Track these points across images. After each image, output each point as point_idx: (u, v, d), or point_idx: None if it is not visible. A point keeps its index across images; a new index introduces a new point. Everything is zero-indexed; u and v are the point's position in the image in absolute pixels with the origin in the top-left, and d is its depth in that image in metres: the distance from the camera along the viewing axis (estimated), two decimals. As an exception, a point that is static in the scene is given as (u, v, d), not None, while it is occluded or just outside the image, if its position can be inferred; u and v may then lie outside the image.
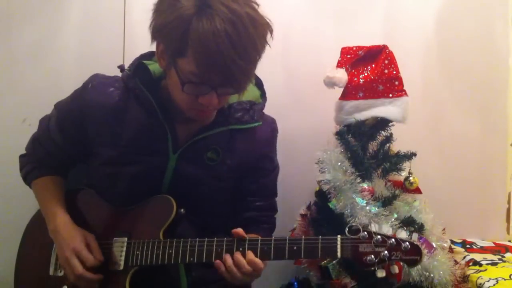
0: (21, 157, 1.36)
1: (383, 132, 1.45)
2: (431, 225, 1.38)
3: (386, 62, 1.42)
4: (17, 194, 1.45)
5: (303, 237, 1.09)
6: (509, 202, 1.76)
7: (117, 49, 1.59)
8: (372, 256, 1.02)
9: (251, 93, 1.28)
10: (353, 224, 1.06)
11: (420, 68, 1.72)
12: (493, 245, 1.65)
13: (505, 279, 1.31)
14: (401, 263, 1.10)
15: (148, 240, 1.17)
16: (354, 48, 1.46)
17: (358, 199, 1.31)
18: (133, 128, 1.20)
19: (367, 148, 1.44)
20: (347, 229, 1.05)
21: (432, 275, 1.24)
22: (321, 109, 1.58)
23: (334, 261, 1.32)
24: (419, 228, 1.35)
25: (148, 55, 1.27)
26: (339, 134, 1.42)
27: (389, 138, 1.44)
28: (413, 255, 1.02)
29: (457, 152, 1.74)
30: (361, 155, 1.38)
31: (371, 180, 1.38)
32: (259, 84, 1.33)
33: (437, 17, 1.72)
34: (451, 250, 1.46)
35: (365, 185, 1.34)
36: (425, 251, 1.06)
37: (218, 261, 1.11)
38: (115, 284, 1.17)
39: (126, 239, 1.19)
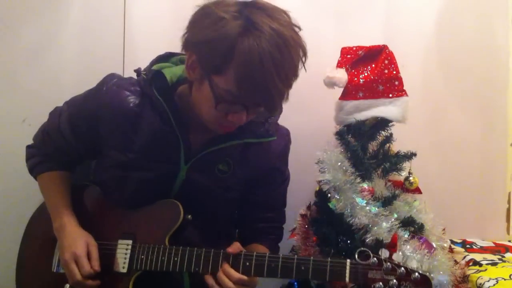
0: (29, 147, 1.35)
1: (383, 132, 1.45)
2: (431, 225, 1.38)
3: (386, 62, 1.42)
4: (17, 194, 1.45)
5: (311, 258, 1.08)
6: (509, 202, 1.76)
7: (117, 49, 1.59)
8: (381, 283, 1.01)
9: None
10: (364, 249, 1.05)
11: (420, 68, 1.72)
12: (493, 245, 1.65)
13: (505, 279, 1.31)
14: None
15: (154, 245, 1.16)
16: (354, 48, 1.46)
17: (358, 199, 1.31)
18: (146, 135, 1.19)
19: (367, 148, 1.43)
20: (357, 254, 1.04)
21: (432, 275, 1.24)
22: (321, 109, 1.58)
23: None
24: (419, 228, 1.35)
25: (166, 57, 1.26)
26: (339, 134, 1.42)
27: (389, 138, 1.44)
28: (423, 285, 1.01)
29: (457, 152, 1.74)
30: (361, 155, 1.38)
31: (371, 180, 1.38)
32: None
33: (437, 17, 1.72)
34: (451, 250, 1.46)
35: (365, 185, 1.34)
36: (433, 280, 1.04)
37: (206, 276, 1.11)
38: (118, 286, 1.17)
39: (131, 241, 1.19)
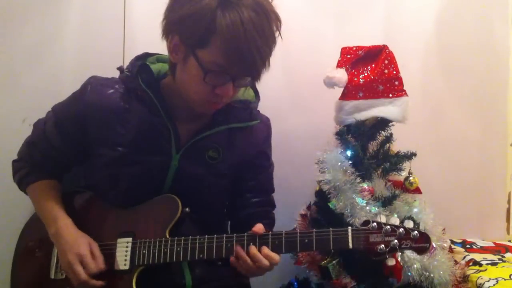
0: (14, 162, 1.35)
1: (383, 132, 1.45)
2: (431, 225, 1.38)
3: (386, 62, 1.42)
4: (17, 194, 1.45)
5: (314, 230, 1.10)
6: (509, 202, 1.76)
7: (117, 50, 1.59)
8: (383, 245, 1.05)
9: (247, 92, 1.31)
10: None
11: (420, 68, 1.72)
12: (493, 245, 1.65)
13: (505, 279, 1.31)
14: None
15: (155, 239, 1.17)
16: (354, 48, 1.46)
17: (358, 199, 1.31)
18: (136, 128, 1.20)
19: (367, 148, 1.44)
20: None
21: (432, 275, 1.24)
22: (321, 109, 1.58)
23: (334, 261, 1.32)
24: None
25: (143, 57, 1.28)
26: (339, 134, 1.42)
27: (389, 138, 1.44)
28: (422, 242, 1.05)
29: (457, 152, 1.74)
30: (361, 155, 1.38)
31: (371, 180, 1.38)
32: (252, 84, 1.34)
33: (437, 17, 1.72)
34: (451, 250, 1.46)
35: (365, 185, 1.34)
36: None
37: (232, 258, 1.12)
38: (121, 284, 1.17)
39: (130, 239, 1.19)
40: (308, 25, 1.68)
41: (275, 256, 1.10)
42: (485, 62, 1.73)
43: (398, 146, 1.46)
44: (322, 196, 1.41)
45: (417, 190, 1.46)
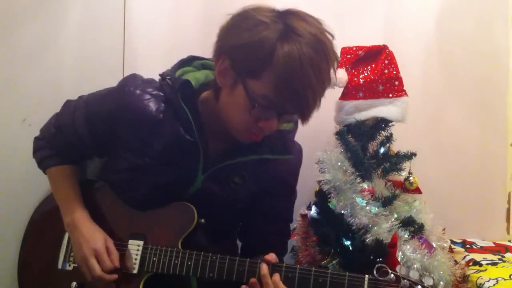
0: (37, 139, 1.34)
1: (383, 132, 1.45)
2: (431, 225, 1.38)
3: (386, 62, 1.42)
4: (17, 193, 1.45)
5: (330, 270, 1.08)
6: (509, 202, 1.76)
7: (117, 50, 1.59)
8: None
9: None
10: (382, 265, 1.06)
11: (420, 68, 1.72)
12: (493, 245, 1.65)
13: (505, 279, 1.31)
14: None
15: (166, 248, 1.16)
16: (354, 48, 1.46)
17: (358, 199, 1.31)
18: (167, 142, 1.17)
19: (367, 148, 1.43)
20: (375, 270, 1.05)
21: (432, 275, 1.24)
22: (321, 109, 1.58)
23: (334, 261, 1.32)
24: (419, 228, 1.35)
25: (188, 61, 1.25)
26: (339, 134, 1.42)
27: (389, 138, 1.44)
28: None
29: (457, 152, 1.74)
30: (361, 155, 1.38)
31: (371, 180, 1.38)
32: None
33: (437, 17, 1.72)
34: (451, 250, 1.46)
35: (365, 185, 1.34)
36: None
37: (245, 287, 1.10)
38: (128, 286, 1.17)
39: (142, 242, 1.19)
40: (308, 25, 1.68)
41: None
42: (485, 62, 1.73)
43: (398, 146, 1.46)
44: (322, 196, 1.40)
45: (417, 190, 1.46)
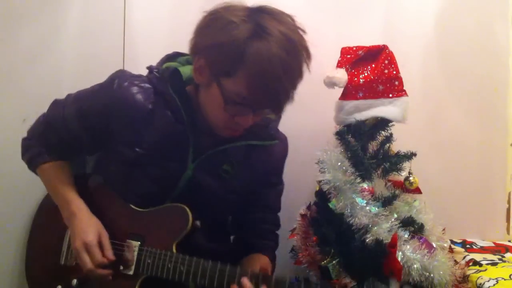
0: (25, 140, 1.33)
1: (383, 132, 1.45)
2: (431, 225, 1.38)
3: (386, 62, 1.42)
4: (17, 193, 1.45)
5: (319, 282, 1.10)
6: (509, 202, 1.76)
7: (117, 50, 1.59)
8: None
9: None
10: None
11: (420, 68, 1.72)
12: (493, 245, 1.65)
13: (505, 279, 1.30)
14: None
15: (161, 251, 1.16)
16: (354, 48, 1.46)
17: (358, 199, 1.31)
18: (158, 132, 1.19)
19: (367, 148, 1.43)
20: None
21: (432, 275, 1.24)
22: (321, 109, 1.58)
23: (334, 261, 1.32)
24: (419, 228, 1.35)
25: (173, 56, 1.27)
26: (339, 134, 1.42)
27: (389, 138, 1.44)
28: None
29: (457, 152, 1.74)
30: (361, 155, 1.38)
31: (371, 180, 1.38)
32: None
33: (437, 17, 1.72)
34: (451, 250, 1.46)
35: (365, 185, 1.34)
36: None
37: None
38: (124, 287, 1.17)
39: (139, 243, 1.19)
40: (308, 25, 1.67)
41: None
42: (485, 62, 1.73)
43: (398, 146, 1.46)
44: (322, 196, 1.40)
45: (417, 190, 1.46)
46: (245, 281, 1.09)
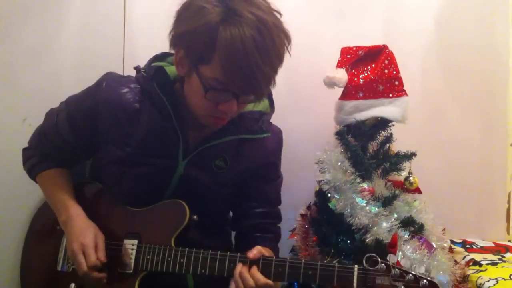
0: (25, 150, 1.35)
1: (383, 132, 1.45)
2: (431, 225, 1.38)
3: (386, 62, 1.42)
4: (17, 193, 1.45)
5: (319, 262, 1.08)
6: (509, 202, 1.76)
7: (117, 50, 1.59)
8: None
9: (261, 103, 1.29)
10: (372, 255, 1.04)
11: (420, 68, 1.72)
12: (493, 245, 1.65)
13: (505, 279, 1.31)
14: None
15: (160, 246, 1.17)
16: (354, 48, 1.46)
17: (358, 199, 1.31)
18: (146, 131, 1.20)
19: (367, 148, 1.43)
20: (364, 259, 1.04)
21: (432, 275, 1.24)
22: (321, 109, 1.58)
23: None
24: (419, 228, 1.35)
25: (161, 56, 1.27)
26: (339, 134, 1.42)
27: (389, 138, 1.44)
28: None
29: (457, 152, 1.74)
30: (361, 155, 1.38)
31: (371, 180, 1.38)
32: (268, 94, 1.33)
33: (437, 17, 1.72)
34: (451, 250, 1.46)
35: (365, 185, 1.34)
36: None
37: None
38: (124, 286, 1.17)
39: (136, 242, 1.19)
40: (308, 25, 1.68)
41: (263, 282, 1.07)
42: (485, 62, 1.73)
43: (398, 146, 1.46)
44: (322, 196, 1.41)
45: (417, 190, 1.46)
46: (238, 265, 1.10)
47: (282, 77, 1.66)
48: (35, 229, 1.36)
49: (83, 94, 1.27)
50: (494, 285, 1.29)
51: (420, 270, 1.04)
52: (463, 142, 1.74)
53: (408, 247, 1.26)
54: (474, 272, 1.38)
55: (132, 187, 1.22)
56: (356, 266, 1.04)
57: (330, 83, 1.45)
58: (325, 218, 1.40)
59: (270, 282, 1.08)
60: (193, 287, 1.27)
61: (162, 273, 1.17)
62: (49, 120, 1.31)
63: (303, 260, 1.09)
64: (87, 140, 1.25)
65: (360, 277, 1.03)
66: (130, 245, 1.19)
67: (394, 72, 1.41)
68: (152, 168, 1.21)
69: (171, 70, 1.23)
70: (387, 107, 1.41)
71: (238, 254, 1.12)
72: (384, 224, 1.28)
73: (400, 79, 1.42)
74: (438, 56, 1.73)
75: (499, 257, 1.52)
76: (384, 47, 1.44)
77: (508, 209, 1.76)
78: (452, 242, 1.60)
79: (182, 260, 1.14)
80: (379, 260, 1.03)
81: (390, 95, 1.41)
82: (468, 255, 1.52)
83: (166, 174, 1.22)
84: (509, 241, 1.71)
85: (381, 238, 1.25)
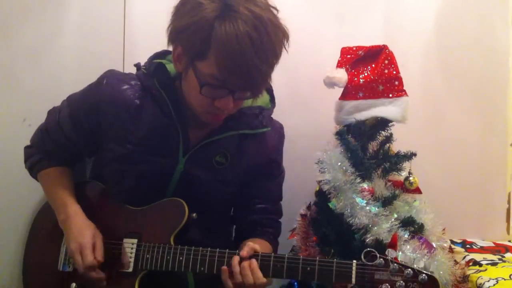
0: (27, 148, 1.36)
1: (383, 132, 1.45)
2: (431, 225, 1.38)
3: (386, 62, 1.42)
4: (17, 193, 1.45)
5: (317, 259, 1.08)
6: (509, 202, 1.76)
7: (117, 49, 1.59)
8: (388, 284, 1.01)
9: (261, 98, 1.28)
10: (370, 250, 1.05)
11: (420, 68, 1.72)
12: (493, 245, 1.65)
13: (505, 279, 1.30)
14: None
15: (159, 245, 1.17)
16: (354, 48, 1.46)
17: (358, 199, 1.31)
18: (147, 127, 1.20)
19: (367, 148, 1.43)
20: (363, 254, 1.04)
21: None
22: (321, 109, 1.58)
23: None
24: (419, 228, 1.35)
25: (162, 54, 1.27)
26: (339, 134, 1.42)
27: (389, 138, 1.44)
28: (430, 287, 1.00)
29: (457, 152, 1.74)
30: (361, 155, 1.38)
31: (371, 180, 1.38)
32: (269, 90, 1.33)
33: (437, 17, 1.72)
34: (451, 250, 1.46)
35: (365, 185, 1.34)
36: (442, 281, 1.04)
37: (224, 267, 1.10)
38: (124, 285, 1.17)
39: (136, 241, 1.19)
40: (308, 25, 1.68)
41: (260, 277, 1.07)
42: (485, 62, 1.73)
43: (398, 146, 1.46)
44: (322, 196, 1.40)
45: (417, 190, 1.46)
46: (234, 259, 1.10)
47: (282, 77, 1.68)
48: (36, 229, 1.37)
49: (85, 91, 1.28)
50: (494, 285, 1.29)
51: (419, 265, 1.03)
52: (463, 142, 1.74)
53: (408, 247, 1.26)
54: (474, 272, 1.38)
55: (133, 185, 1.23)
56: (354, 261, 1.04)
57: (330, 83, 1.45)
58: (325, 218, 1.40)
59: (269, 282, 1.09)
60: (193, 287, 1.27)
61: (162, 273, 1.18)
62: (51, 118, 1.31)
63: (301, 256, 1.09)
64: (89, 138, 1.26)
65: (359, 272, 1.03)
66: (130, 244, 1.19)
67: (394, 72, 1.41)
68: (153, 165, 1.21)
69: (171, 67, 1.24)
70: (387, 107, 1.41)
71: (237, 251, 1.13)
72: (384, 224, 1.28)
73: (400, 79, 1.42)
74: (438, 56, 1.73)
75: (499, 257, 1.52)
76: (384, 47, 1.44)
77: (508, 209, 1.76)
78: (452, 242, 1.60)
79: (181, 258, 1.14)
80: (378, 255, 1.03)
81: (390, 95, 1.41)
82: (468, 255, 1.52)
83: (166, 171, 1.22)
84: (509, 241, 1.70)
85: (381, 238, 1.25)
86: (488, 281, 1.30)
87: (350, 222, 1.29)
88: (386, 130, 1.45)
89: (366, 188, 1.34)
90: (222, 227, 1.38)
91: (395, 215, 1.33)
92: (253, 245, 1.13)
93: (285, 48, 1.10)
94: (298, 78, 1.69)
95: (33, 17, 1.51)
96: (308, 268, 1.07)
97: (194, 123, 1.22)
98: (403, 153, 1.43)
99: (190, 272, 1.24)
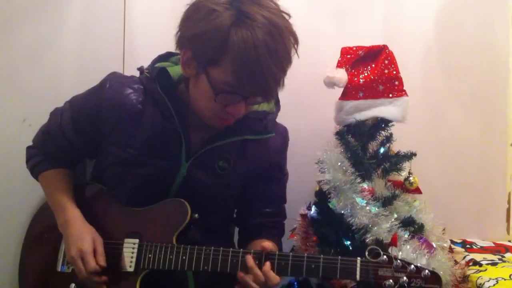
0: (29, 148, 1.36)
1: (383, 132, 1.45)
2: (431, 225, 1.38)
3: (386, 62, 1.42)
4: (17, 194, 1.45)
5: (321, 256, 1.08)
6: (509, 202, 1.76)
7: (117, 49, 1.59)
8: (391, 281, 1.02)
9: (266, 103, 1.28)
10: (374, 247, 1.06)
11: (420, 68, 1.72)
12: (493, 245, 1.65)
13: (505, 279, 1.30)
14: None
15: (161, 244, 1.16)
16: (354, 48, 1.46)
17: (358, 199, 1.31)
18: (148, 132, 1.20)
19: (367, 148, 1.43)
20: (367, 251, 1.05)
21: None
22: (321, 109, 1.58)
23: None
24: (419, 228, 1.35)
25: (166, 56, 1.27)
26: (339, 134, 1.42)
27: (389, 138, 1.44)
28: (433, 283, 1.01)
29: (457, 152, 1.74)
30: (361, 155, 1.38)
31: (371, 180, 1.38)
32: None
33: (437, 17, 1.72)
34: (451, 250, 1.46)
35: (365, 185, 1.34)
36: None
37: (241, 273, 1.10)
38: (125, 285, 1.17)
39: (137, 240, 1.19)
40: (308, 25, 1.68)
41: (274, 277, 1.08)
42: (485, 62, 1.73)
43: (398, 146, 1.46)
44: (322, 196, 1.41)
45: (417, 190, 1.46)
46: (248, 257, 1.10)
47: (282, 77, 1.68)
48: (34, 229, 1.36)
49: (87, 94, 1.27)
50: (494, 285, 1.28)
51: (421, 262, 1.05)
52: (463, 142, 1.74)
53: (408, 247, 1.26)
54: (474, 272, 1.38)
55: (134, 189, 1.22)
56: (358, 258, 1.05)
57: (330, 83, 1.45)
58: (325, 218, 1.40)
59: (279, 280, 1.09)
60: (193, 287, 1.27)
61: (163, 273, 1.17)
62: (53, 120, 1.31)
63: (306, 254, 1.09)
64: (90, 140, 1.25)
65: (363, 269, 1.04)
66: (131, 244, 1.19)
67: (394, 72, 1.41)
68: (155, 169, 1.21)
69: (175, 70, 1.23)
70: (387, 107, 1.41)
71: (241, 250, 1.13)
72: (384, 224, 1.28)
73: (400, 79, 1.42)
74: (438, 56, 1.73)
75: (499, 257, 1.52)
76: (384, 47, 1.44)
77: (508, 209, 1.76)
78: (452, 242, 1.60)
79: (184, 257, 1.14)
80: (381, 252, 1.04)
81: (390, 95, 1.41)
82: (468, 255, 1.52)
83: (168, 175, 1.22)
84: (509, 241, 1.70)
85: (381, 238, 1.25)
86: (488, 281, 1.30)
87: (350, 222, 1.29)
88: (386, 130, 1.45)
89: (366, 188, 1.34)
90: (223, 229, 1.37)
91: (395, 215, 1.33)
92: (270, 243, 1.13)
93: (296, 53, 1.10)
94: (298, 78, 1.68)
95: (33, 17, 1.51)
96: (313, 266, 1.07)
97: (196, 127, 1.21)
98: (403, 153, 1.43)
99: (191, 272, 1.24)
